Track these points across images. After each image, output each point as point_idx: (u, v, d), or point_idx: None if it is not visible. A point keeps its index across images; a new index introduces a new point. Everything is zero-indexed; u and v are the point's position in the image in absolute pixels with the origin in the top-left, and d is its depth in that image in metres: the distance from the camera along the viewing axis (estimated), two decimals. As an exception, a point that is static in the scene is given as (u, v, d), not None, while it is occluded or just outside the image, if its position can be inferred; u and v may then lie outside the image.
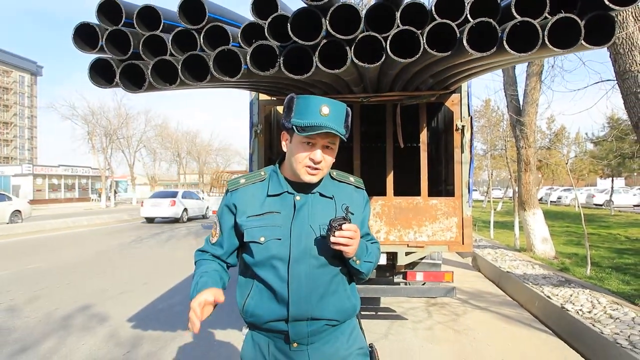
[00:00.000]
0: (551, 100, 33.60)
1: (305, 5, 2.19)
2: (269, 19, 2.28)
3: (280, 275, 1.44)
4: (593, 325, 4.26)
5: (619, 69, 4.55)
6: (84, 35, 2.42)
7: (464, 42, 2.03)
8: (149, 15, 2.40)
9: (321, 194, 1.52)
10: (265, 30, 2.30)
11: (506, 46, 1.99)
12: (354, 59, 2.27)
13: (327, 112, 1.37)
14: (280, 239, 1.45)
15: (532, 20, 1.92)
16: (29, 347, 4.23)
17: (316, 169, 1.44)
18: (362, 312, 5.22)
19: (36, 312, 5.41)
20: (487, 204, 24.71)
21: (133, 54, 2.45)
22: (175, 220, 19.64)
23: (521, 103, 8.63)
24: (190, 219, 20.80)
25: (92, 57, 2.55)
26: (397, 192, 4.28)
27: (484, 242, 11.16)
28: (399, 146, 4.38)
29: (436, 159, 5.19)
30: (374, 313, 5.32)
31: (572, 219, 18.69)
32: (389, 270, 4.53)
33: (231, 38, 2.39)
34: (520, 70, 11.58)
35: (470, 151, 4.02)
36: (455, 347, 4.25)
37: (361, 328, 1.63)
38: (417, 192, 4.25)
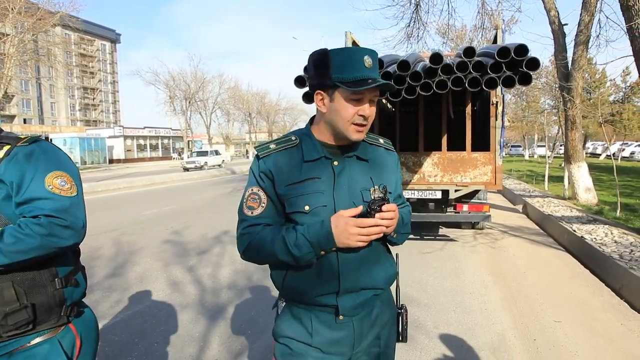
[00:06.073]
0: (594, 64, 32.49)
1: (421, 72, 4.37)
2: (408, 72, 4.38)
3: None
4: (599, 247, 5.82)
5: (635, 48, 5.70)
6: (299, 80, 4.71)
7: (466, 84, 4.07)
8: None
9: (358, 157, 1.43)
10: (407, 78, 4.39)
11: (484, 86, 4.18)
12: (435, 90, 4.51)
13: (371, 63, 1.29)
14: (326, 206, 1.35)
15: (495, 76, 3.97)
16: (204, 251, 6.57)
17: (365, 125, 1.34)
18: (425, 237, 7.16)
19: (193, 234, 7.83)
20: (553, 160, 25.17)
21: None
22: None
23: (569, 69, 9.75)
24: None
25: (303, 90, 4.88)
26: (449, 148, 6.08)
27: (536, 193, 12.48)
28: (451, 116, 6.14)
29: (479, 123, 6.88)
30: (433, 237, 7.25)
31: (638, 174, 19.05)
32: (444, 203, 6.40)
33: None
34: (570, 38, 12.46)
35: (502, 119, 5.70)
36: (489, 255, 6.09)
37: (398, 287, 1.59)
38: (463, 148, 6.02)
